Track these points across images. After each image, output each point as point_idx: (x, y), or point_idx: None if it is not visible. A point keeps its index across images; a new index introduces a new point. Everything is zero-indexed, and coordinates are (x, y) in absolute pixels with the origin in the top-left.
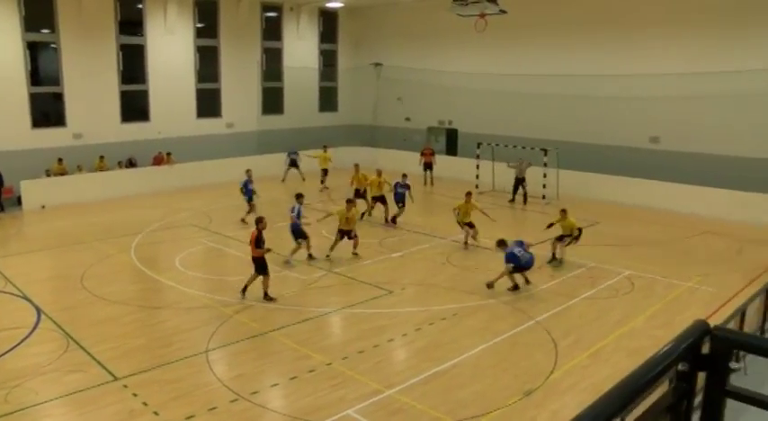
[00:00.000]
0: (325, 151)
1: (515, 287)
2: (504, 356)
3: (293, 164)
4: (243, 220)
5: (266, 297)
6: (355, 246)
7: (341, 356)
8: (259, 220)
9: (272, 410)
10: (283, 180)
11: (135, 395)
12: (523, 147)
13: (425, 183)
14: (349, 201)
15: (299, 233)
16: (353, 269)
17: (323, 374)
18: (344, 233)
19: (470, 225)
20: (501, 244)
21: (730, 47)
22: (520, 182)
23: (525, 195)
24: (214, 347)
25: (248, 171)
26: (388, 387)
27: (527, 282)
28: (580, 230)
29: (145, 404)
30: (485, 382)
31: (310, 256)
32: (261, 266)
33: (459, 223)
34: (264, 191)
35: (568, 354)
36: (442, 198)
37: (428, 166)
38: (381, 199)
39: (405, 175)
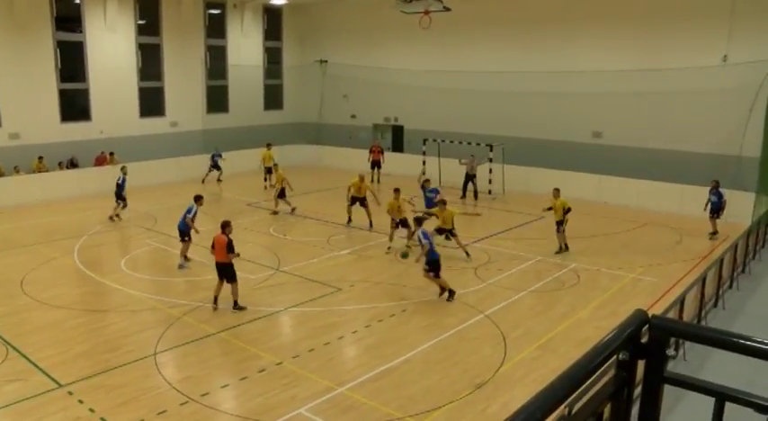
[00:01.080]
0: (268, 149)
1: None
2: (454, 351)
3: (215, 166)
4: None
5: (236, 306)
6: (409, 237)
7: (291, 355)
8: (226, 225)
9: (223, 412)
10: (203, 181)
11: (81, 402)
12: (469, 143)
13: (372, 181)
14: (396, 190)
15: (185, 233)
16: (301, 267)
17: (274, 374)
18: (398, 222)
19: (404, 223)
20: (419, 221)
21: (671, 44)
22: (470, 178)
23: (476, 192)
24: (162, 350)
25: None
26: (340, 384)
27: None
28: (569, 209)
29: (91, 410)
30: (435, 377)
31: (186, 257)
32: (230, 273)
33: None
34: (212, 189)
35: (517, 347)
36: (390, 195)
37: (376, 164)
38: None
39: (428, 180)
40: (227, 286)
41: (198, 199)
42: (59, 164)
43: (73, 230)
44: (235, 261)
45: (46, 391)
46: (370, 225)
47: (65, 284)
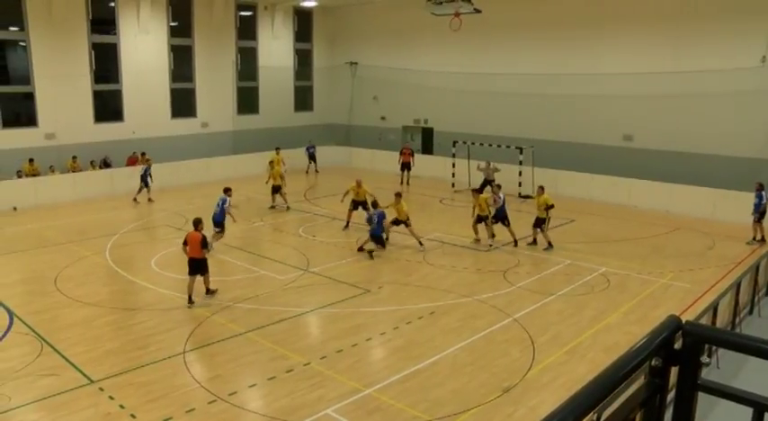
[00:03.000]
0: (277, 153)
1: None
2: (482, 354)
3: (312, 157)
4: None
5: (209, 292)
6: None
7: (319, 356)
8: (198, 222)
9: (250, 411)
10: (307, 172)
11: (111, 398)
12: (499, 146)
13: (402, 183)
14: (398, 195)
15: (219, 224)
16: (330, 269)
17: (301, 374)
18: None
19: (405, 223)
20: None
21: (705, 45)
22: (488, 183)
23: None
24: (191, 348)
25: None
26: (367, 386)
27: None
28: (551, 206)
29: (121, 406)
30: (462, 380)
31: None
32: (204, 267)
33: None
34: (242, 190)
35: (545, 351)
36: (420, 197)
37: (406, 166)
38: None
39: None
40: (199, 280)
41: (227, 190)
42: (91, 163)
43: (105, 229)
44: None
45: (78, 387)
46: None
47: (96, 282)
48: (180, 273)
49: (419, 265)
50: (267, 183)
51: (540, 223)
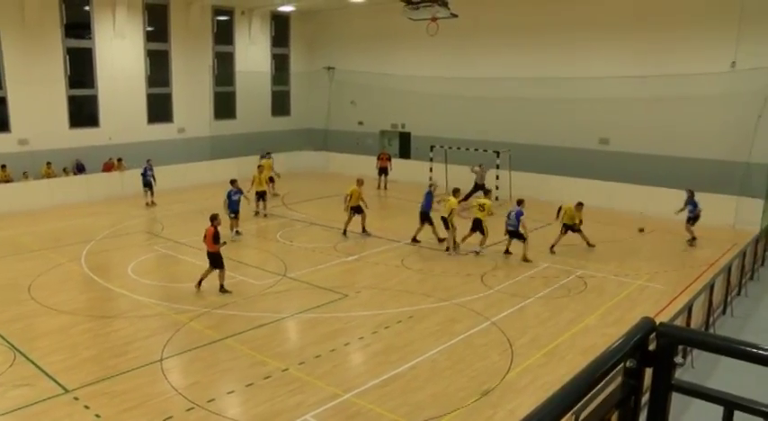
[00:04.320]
0: (268, 158)
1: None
2: (461, 357)
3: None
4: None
5: (222, 289)
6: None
7: (297, 361)
8: (214, 217)
9: (228, 418)
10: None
11: (87, 407)
12: (476, 150)
13: (379, 187)
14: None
15: (234, 211)
16: (308, 274)
17: (280, 380)
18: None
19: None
20: (518, 202)
21: (678, 50)
22: (479, 187)
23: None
24: (168, 356)
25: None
26: (346, 391)
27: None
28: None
29: (97, 416)
30: (442, 384)
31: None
32: (217, 261)
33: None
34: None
35: (524, 354)
36: (397, 201)
37: (383, 171)
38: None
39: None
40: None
41: (233, 182)
42: (64, 169)
43: (81, 236)
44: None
45: (52, 396)
46: (364, 230)
47: (72, 290)
48: (156, 279)
49: (397, 270)
50: (249, 191)
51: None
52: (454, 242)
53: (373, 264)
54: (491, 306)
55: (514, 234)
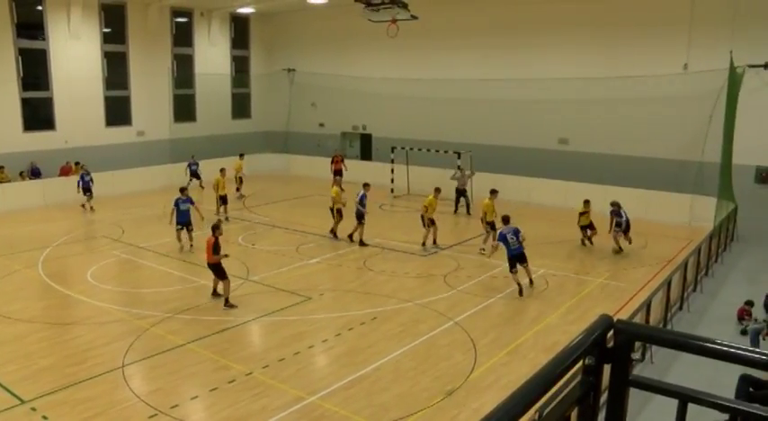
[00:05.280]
0: (240, 159)
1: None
2: (424, 358)
3: (194, 174)
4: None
5: (227, 303)
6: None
7: (261, 365)
8: (216, 227)
9: None
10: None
11: (44, 418)
12: (437, 151)
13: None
14: (437, 190)
15: (187, 223)
16: (271, 277)
17: (244, 384)
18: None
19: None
20: (505, 220)
21: (634, 52)
22: (461, 193)
23: (468, 206)
24: (130, 362)
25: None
26: (311, 394)
27: (530, 282)
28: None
29: None
30: (406, 385)
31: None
32: (219, 272)
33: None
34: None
35: (488, 353)
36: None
37: (338, 173)
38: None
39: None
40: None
41: (182, 190)
42: (21, 174)
43: (37, 242)
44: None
45: (7, 408)
46: (334, 233)
47: (28, 297)
48: (117, 285)
49: (360, 271)
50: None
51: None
52: (426, 241)
53: (336, 266)
54: (454, 306)
55: (521, 257)
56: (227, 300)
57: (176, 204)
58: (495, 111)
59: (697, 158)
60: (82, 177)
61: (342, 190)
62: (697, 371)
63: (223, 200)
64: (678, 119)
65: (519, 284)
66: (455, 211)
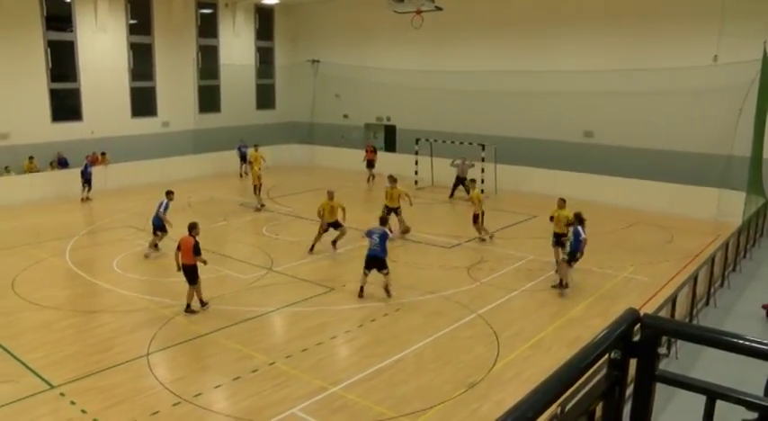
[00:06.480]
0: (255, 150)
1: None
2: (446, 350)
3: (243, 158)
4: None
5: (188, 309)
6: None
7: (284, 355)
8: (193, 227)
9: (215, 412)
10: (241, 175)
11: (73, 403)
12: (461, 143)
13: (368, 181)
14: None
15: (159, 227)
16: (294, 268)
17: (266, 374)
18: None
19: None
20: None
21: (662, 44)
22: (461, 181)
23: (468, 192)
24: (154, 350)
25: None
26: (333, 384)
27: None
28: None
29: (83, 411)
30: (428, 376)
31: (156, 246)
32: (193, 276)
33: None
34: (205, 190)
35: (510, 346)
36: (383, 195)
37: (370, 164)
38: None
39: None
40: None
41: (168, 193)
42: (51, 164)
43: (64, 231)
44: (201, 265)
45: (37, 392)
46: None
47: (56, 285)
48: (142, 274)
49: None
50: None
51: (560, 241)
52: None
53: (359, 258)
54: (476, 298)
55: (380, 262)
56: (188, 306)
57: (162, 206)
58: (520, 103)
59: (725, 152)
60: (85, 168)
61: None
62: (723, 368)
63: (256, 189)
64: (706, 112)
65: (362, 287)
66: (450, 196)
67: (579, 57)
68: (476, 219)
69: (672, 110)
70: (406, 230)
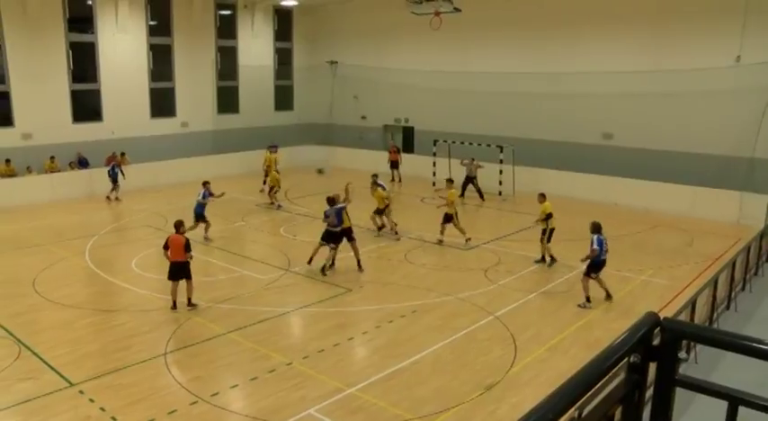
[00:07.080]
0: (271, 153)
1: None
2: (464, 352)
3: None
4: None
5: (190, 304)
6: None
7: (301, 356)
8: (179, 224)
9: (232, 412)
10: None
11: (91, 401)
12: (479, 144)
13: (393, 181)
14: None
15: (201, 215)
16: (312, 268)
17: (283, 374)
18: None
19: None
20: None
21: (682, 45)
22: (470, 180)
23: (480, 192)
24: (172, 349)
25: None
26: (349, 385)
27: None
28: (550, 215)
29: (102, 409)
30: (445, 378)
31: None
32: (188, 272)
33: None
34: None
35: (527, 348)
36: (401, 196)
37: (394, 165)
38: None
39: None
40: (182, 285)
41: (205, 184)
42: (70, 164)
43: (84, 230)
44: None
45: (57, 390)
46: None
47: (75, 284)
48: (161, 273)
49: (400, 264)
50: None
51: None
52: (381, 227)
53: (376, 259)
54: (494, 300)
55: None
56: (189, 300)
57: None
58: (539, 104)
59: (748, 154)
60: (112, 168)
61: (399, 181)
62: (744, 373)
63: (271, 189)
64: (728, 113)
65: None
66: (461, 195)
67: (598, 57)
68: (449, 218)
69: (693, 111)
70: (386, 228)
